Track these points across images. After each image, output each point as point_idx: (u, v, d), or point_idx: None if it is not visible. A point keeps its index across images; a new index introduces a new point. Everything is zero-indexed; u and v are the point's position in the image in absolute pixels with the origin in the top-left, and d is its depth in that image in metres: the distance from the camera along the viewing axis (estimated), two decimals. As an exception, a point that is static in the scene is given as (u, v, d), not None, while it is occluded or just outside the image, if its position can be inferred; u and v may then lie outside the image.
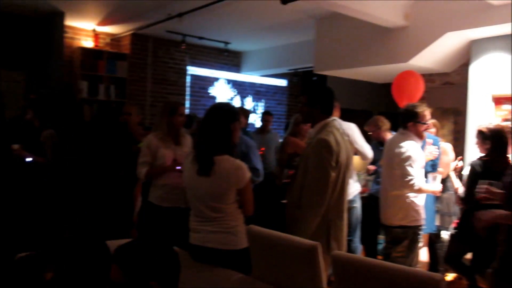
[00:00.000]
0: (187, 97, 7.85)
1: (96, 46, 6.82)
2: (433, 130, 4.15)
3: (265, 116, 6.32)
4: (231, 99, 8.45)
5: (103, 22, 6.53)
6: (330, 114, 2.77)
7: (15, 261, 1.87)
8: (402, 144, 3.22)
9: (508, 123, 3.36)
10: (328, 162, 2.58)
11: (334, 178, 2.62)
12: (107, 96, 6.71)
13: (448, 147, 4.23)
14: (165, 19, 5.77)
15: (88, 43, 6.80)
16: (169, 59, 7.63)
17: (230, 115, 2.60)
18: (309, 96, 2.81)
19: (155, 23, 6.08)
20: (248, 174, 2.55)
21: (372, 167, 4.69)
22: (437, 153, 3.78)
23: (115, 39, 7.14)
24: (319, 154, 2.60)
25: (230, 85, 8.43)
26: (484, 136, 3.26)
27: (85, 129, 6.01)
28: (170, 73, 7.65)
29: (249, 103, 8.75)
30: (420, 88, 4.82)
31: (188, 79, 7.86)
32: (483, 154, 3.31)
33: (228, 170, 2.49)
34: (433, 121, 4.25)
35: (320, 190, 2.60)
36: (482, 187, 2.80)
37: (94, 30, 6.78)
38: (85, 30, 6.78)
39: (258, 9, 5.54)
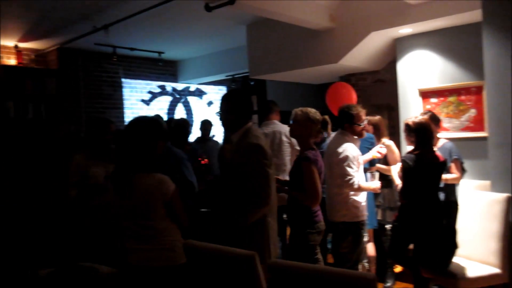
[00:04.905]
0: (125, 110, 7.63)
1: (19, 63, 6.42)
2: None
3: (205, 125, 6.22)
4: (172, 111, 8.29)
5: (24, 38, 6.17)
6: (249, 119, 2.76)
7: None
8: (340, 145, 3.32)
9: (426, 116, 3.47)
10: (264, 163, 2.60)
11: (271, 175, 2.65)
12: (37, 115, 6.32)
13: (392, 144, 4.31)
14: (90, 32, 5.55)
15: (10, 61, 6.40)
16: (102, 72, 7.36)
17: (154, 130, 2.54)
18: (226, 104, 2.78)
19: (80, 37, 5.83)
20: (172, 186, 2.48)
21: None
22: (384, 151, 3.91)
23: (40, 55, 6.78)
24: (254, 158, 2.59)
25: (169, 96, 8.28)
26: (410, 130, 3.37)
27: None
28: (104, 87, 7.39)
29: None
30: (352, 99, 4.95)
31: (124, 91, 7.64)
32: (412, 148, 3.42)
33: (149, 186, 2.43)
34: (378, 118, 4.36)
35: (265, 191, 2.58)
36: None
37: (16, 47, 6.38)
38: (6, 47, 6.36)
39: (186, 17, 5.44)
